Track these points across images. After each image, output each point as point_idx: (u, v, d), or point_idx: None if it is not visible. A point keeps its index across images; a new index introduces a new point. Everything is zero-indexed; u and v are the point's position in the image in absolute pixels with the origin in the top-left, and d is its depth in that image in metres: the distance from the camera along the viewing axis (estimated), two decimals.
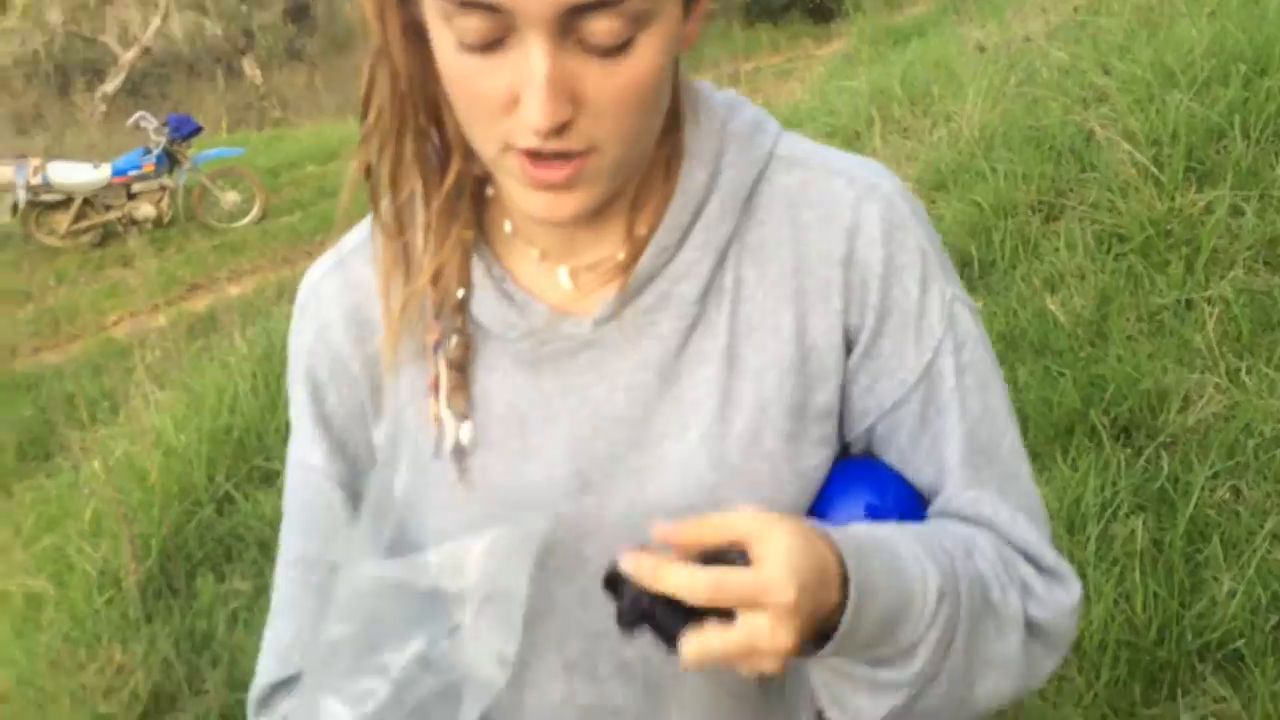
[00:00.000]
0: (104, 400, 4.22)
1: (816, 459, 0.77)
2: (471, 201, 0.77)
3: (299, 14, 19.79)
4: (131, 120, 9.59)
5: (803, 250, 0.76)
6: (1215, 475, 2.58)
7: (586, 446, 0.76)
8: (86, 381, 4.49)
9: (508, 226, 0.78)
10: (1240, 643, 2.14)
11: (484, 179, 0.77)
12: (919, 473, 0.79)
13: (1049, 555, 0.77)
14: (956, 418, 0.77)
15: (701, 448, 0.75)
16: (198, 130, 9.69)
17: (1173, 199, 3.49)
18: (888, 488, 0.78)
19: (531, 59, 0.62)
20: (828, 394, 0.77)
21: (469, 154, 0.72)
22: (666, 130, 0.74)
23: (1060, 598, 0.76)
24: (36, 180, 9.03)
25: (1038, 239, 3.71)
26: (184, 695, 2.56)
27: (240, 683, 2.53)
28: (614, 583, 0.63)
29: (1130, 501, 2.54)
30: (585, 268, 0.77)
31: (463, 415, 0.77)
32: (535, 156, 0.65)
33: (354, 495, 0.83)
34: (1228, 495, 2.55)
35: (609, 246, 0.77)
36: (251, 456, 3.53)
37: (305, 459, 0.84)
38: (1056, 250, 3.56)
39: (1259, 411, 2.72)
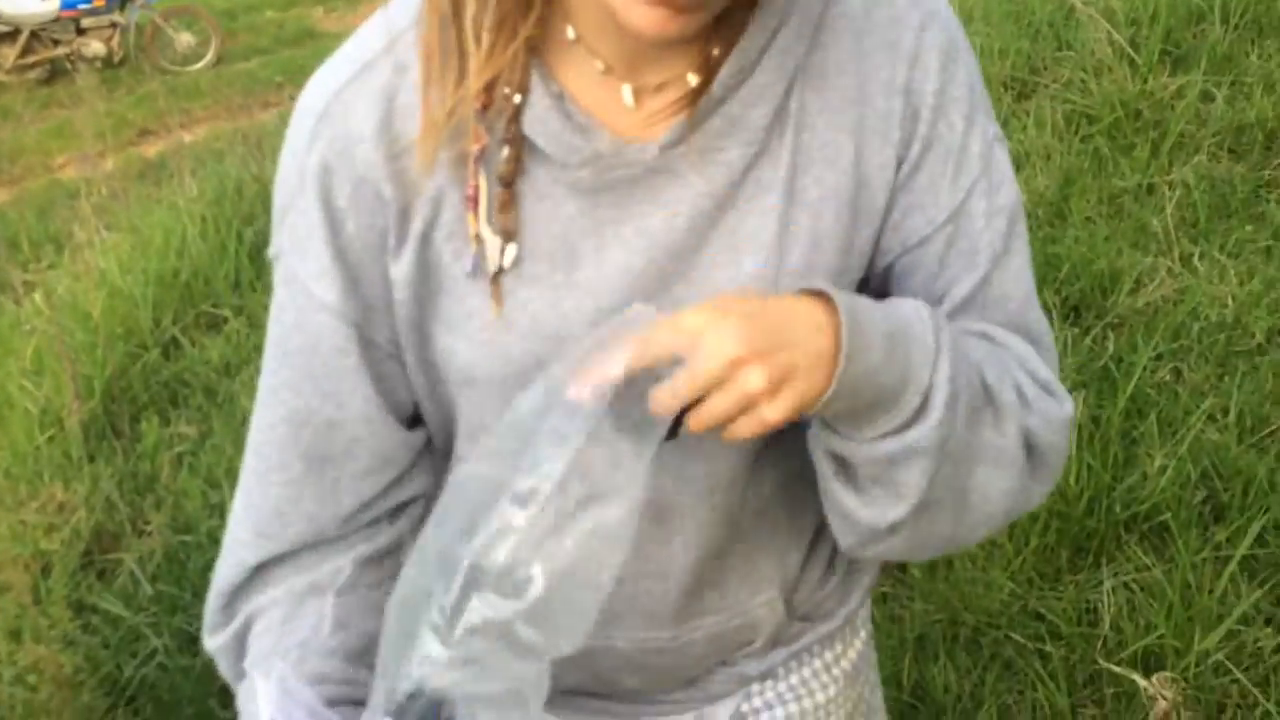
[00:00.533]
0: (49, 242, 4.12)
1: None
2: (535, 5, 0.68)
3: None
4: None
5: (865, 77, 0.73)
6: (1159, 356, 2.62)
7: (637, 279, 0.72)
8: (31, 221, 4.37)
9: (570, 33, 0.70)
10: (1167, 515, 2.20)
11: None
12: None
13: (1044, 370, 0.76)
14: (981, 260, 0.76)
15: (756, 279, 0.72)
16: None
17: (1145, 81, 3.45)
18: None
19: None
20: (872, 229, 0.75)
21: None
22: None
23: (1052, 408, 0.75)
24: None
25: (1008, 116, 3.66)
26: (126, 535, 2.57)
27: (184, 525, 2.54)
28: None
29: (1074, 378, 2.57)
30: (652, 88, 0.71)
31: (508, 235, 0.71)
32: None
33: (365, 341, 0.75)
34: (1168, 376, 2.59)
35: (679, 66, 0.71)
36: (199, 302, 3.47)
37: (312, 293, 0.74)
38: (1025, 129, 3.53)
39: (1207, 296, 2.75)
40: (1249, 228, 2.97)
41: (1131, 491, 2.26)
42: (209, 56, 9.13)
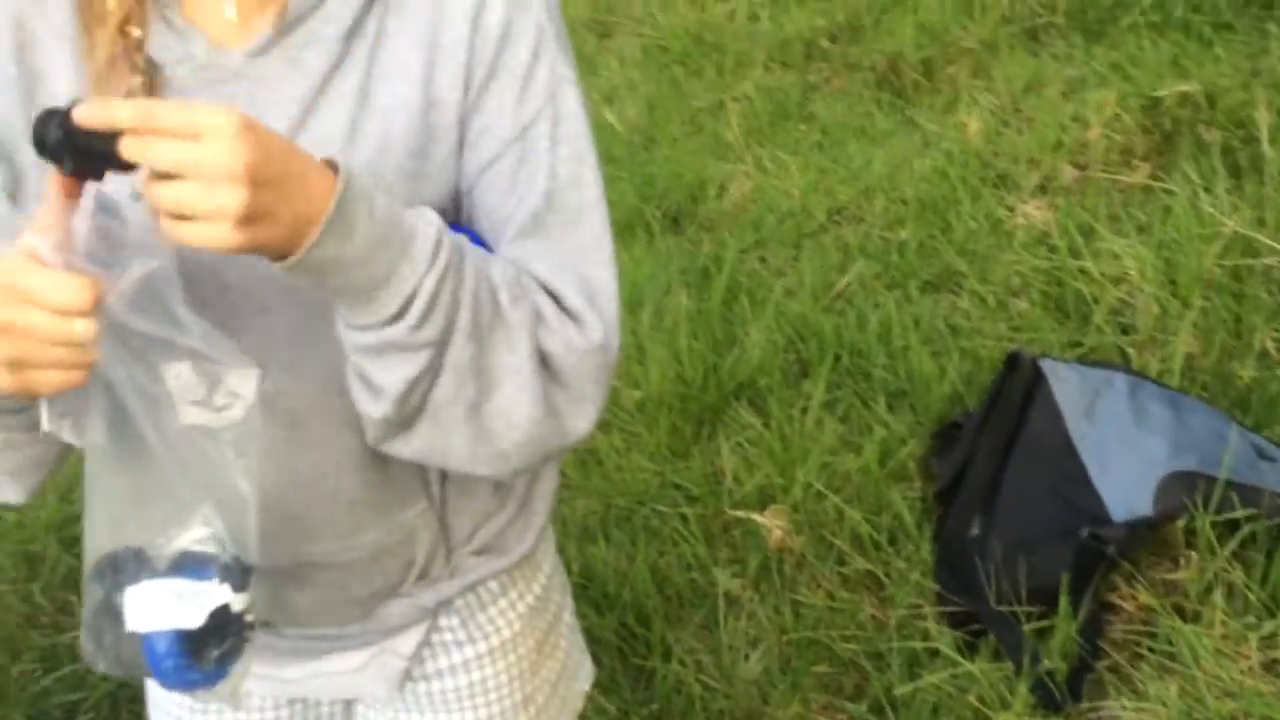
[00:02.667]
0: None
1: (431, 208, 0.82)
2: None
3: None
4: None
5: (440, 8, 0.82)
6: (745, 250, 3.02)
7: None
8: None
9: None
10: (764, 381, 2.59)
11: None
12: (500, 230, 0.84)
13: (574, 299, 0.82)
14: (542, 179, 0.83)
15: None
16: None
17: (703, 9, 3.86)
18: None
19: None
20: (449, 144, 0.83)
21: None
22: None
23: (572, 334, 0.81)
24: None
25: (594, 55, 3.98)
26: None
27: None
28: (46, 124, 0.65)
29: (679, 279, 2.92)
30: (254, 4, 0.81)
31: None
32: None
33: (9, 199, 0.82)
34: (756, 264, 3.01)
35: None
36: None
37: None
38: (610, 65, 3.85)
39: (777, 191, 3.19)
40: (802, 127, 3.45)
41: (735, 364, 2.63)
42: None
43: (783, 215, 3.10)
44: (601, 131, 3.58)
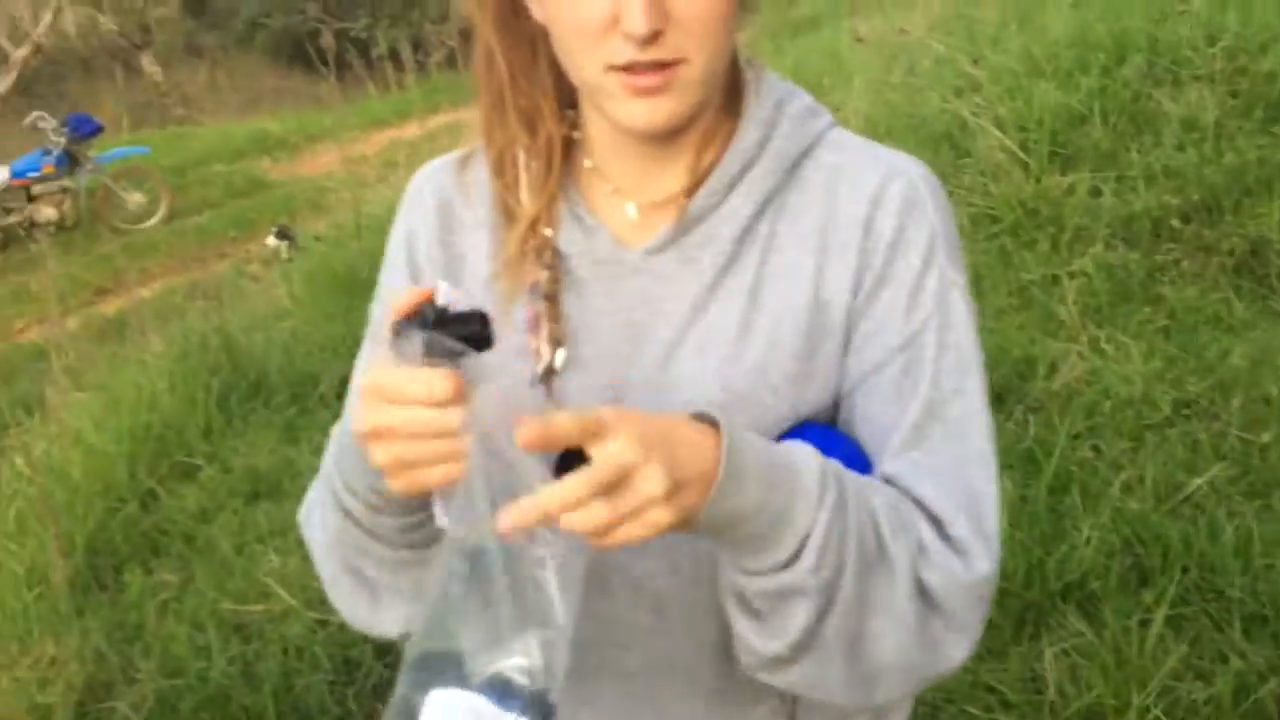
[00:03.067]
0: (18, 405, 4.23)
1: (814, 408, 0.85)
2: (561, 154, 0.88)
3: (197, 8, 19.41)
4: (28, 120, 9.42)
5: (832, 213, 0.85)
6: (1076, 435, 2.83)
7: (623, 363, 0.86)
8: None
9: (588, 164, 0.89)
10: (1096, 584, 2.38)
11: (567, 137, 0.89)
12: (882, 440, 0.83)
13: (959, 527, 0.79)
14: (926, 388, 0.82)
15: (717, 371, 0.84)
16: (99, 129, 9.56)
17: (1039, 181, 3.76)
18: (834, 446, 0.81)
19: None
20: (835, 345, 0.85)
21: (559, 117, 0.87)
22: (730, 90, 0.87)
23: (955, 566, 0.78)
24: None
25: None
26: (119, 684, 2.65)
27: (173, 670, 2.63)
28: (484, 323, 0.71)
29: (1001, 461, 2.77)
30: (650, 204, 0.87)
31: (557, 343, 0.86)
32: (632, 70, 0.78)
33: None
34: (1088, 453, 2.81)
35: (672, 186, 0.87)
36: (172, 453, 3.60)
37: None
38: None
39: (1116, 376, 2.99)
40: (1147, 309, 3.24)
41: (1063, 562, 2.44)
42: (161, 213, 9.35)
43: (1121, 403, 2.89)
44: None
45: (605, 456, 0.65)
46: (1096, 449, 2.82)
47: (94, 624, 2.81)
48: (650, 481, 0.66)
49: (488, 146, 0.89)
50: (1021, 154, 3.86)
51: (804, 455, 0.75)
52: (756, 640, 0.78)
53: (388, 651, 2.70)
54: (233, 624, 2.79)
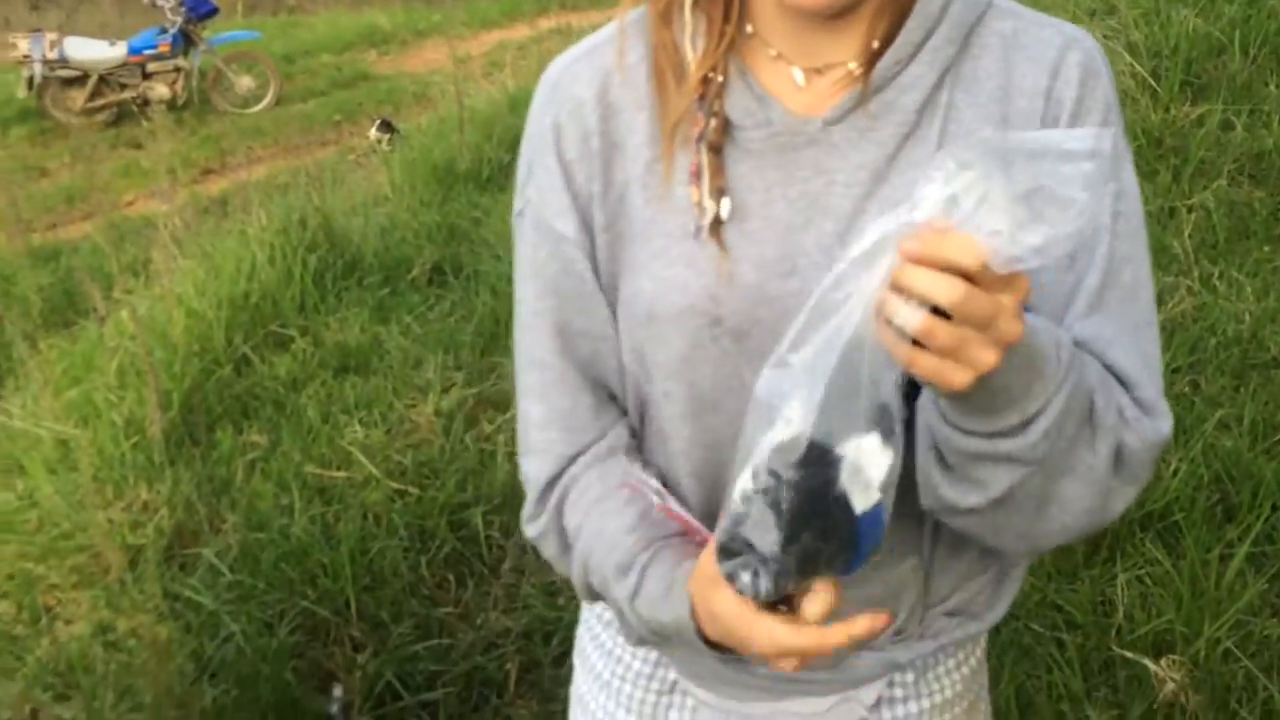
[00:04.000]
0: (126, 270, 4.38)
1: None
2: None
3: None
4: None
5: (1009, 82, 0.83)
6: (1177, 369, 2.74)
7: (798, 235, 0.83)
8: (108, 251, 4.64)
9: (749, 29, 0.86)
10: (1180, 515, 2.32)
11: None
12: (1057, 304, 0.84)
13: (1147, 389, 0.81)
14: (1103, 254, 0.82)
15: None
16: (214, 11, 9.69)
17: (1167, 110, 3.59)
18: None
19: None
20: None
21: None
22: None
23: (1148, 429, 0.80)
24: (53, 55, 9.08)
25: None
26: (205, 532, 2.77)
27: (257, 524, 2.74)
28: None
29: None
30: (815, 70, 0.85)
31: (721, 193, 0.84)
32: None
33: (594, 269, 0.90)
34: (1186, 388, 2.72)
35: (840, 54, 0.84)
36: (268, 322, 3.69)
37: (561, 232, 0.89)
38: None
39: (1224, 313, 2.88)
40: (1266, 248, 3.09)
41: (1146, 491, 2.38)
42: (269, 99, 9.50)
43: (1228, 340, 2.79)
44: None
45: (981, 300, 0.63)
46: (1196, 384, 2.73)
47: (185, 475, 2.93)
48: (991, 357, 0.65)
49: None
50: (1152, 81, 3.69)
51: (1044, 336, 0.73)
52: (950, 492, 0.79)
53: (463, 525, 2.77)
54: (315, 487, 2.88)
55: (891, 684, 0.99)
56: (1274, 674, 1.99)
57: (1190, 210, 3.24)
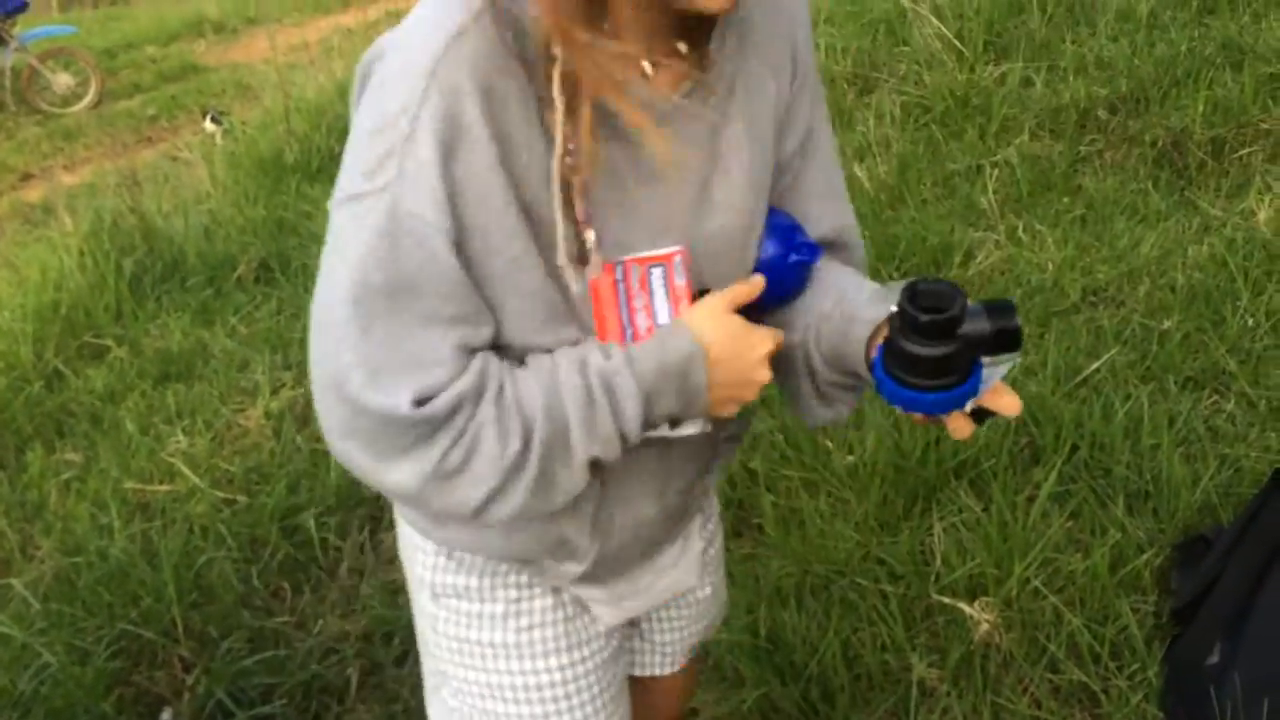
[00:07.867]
0: None
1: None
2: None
3: None
4: None
5: (771, 34, 1.01)
6: None
7: (684, 205, 0.98)
8: None
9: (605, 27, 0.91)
10: (989, 463, 2.41)
11: None
12: (800, 201, 1.08)
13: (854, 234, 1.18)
14: (825, 154, 1.10)
15: (745, 184, 1.00)
16: (23, 6, 9.13)
17: (972, 70, 3.71)
18: (791, 235, 1.05)
19: None
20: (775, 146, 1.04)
21: None
22: None
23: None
24: None
25: (852, 110, 3.90)
26: (17, 560, 2.63)
27: (73, 548, 2.61)
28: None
29: None
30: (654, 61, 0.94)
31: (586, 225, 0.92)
32: None
33: (459, 257, 0.88)
34: None
35: (671, 43, 0.95)
36: (80, 333, 3.52)
37: (413, 210, 0.85)
38: (867, 121, 3.76)
39: (1028, 264, 2.99)
40: (1066, 199, 3.23)
41: (957, 442, 2.46)
42: (89, 97, 9.03)
43: (1032, 290, 2.90)
44: (849, 187, 3.49)
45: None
46: None
47: None
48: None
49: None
50: (957, 43, 3.80)
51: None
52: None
53: (296, 530, 2.69)
54: (136, 503, 2.76)
55: (704, 525, 1.30)
56: (1076, 607, 2.08)
57: (995, 166, 3.36)
